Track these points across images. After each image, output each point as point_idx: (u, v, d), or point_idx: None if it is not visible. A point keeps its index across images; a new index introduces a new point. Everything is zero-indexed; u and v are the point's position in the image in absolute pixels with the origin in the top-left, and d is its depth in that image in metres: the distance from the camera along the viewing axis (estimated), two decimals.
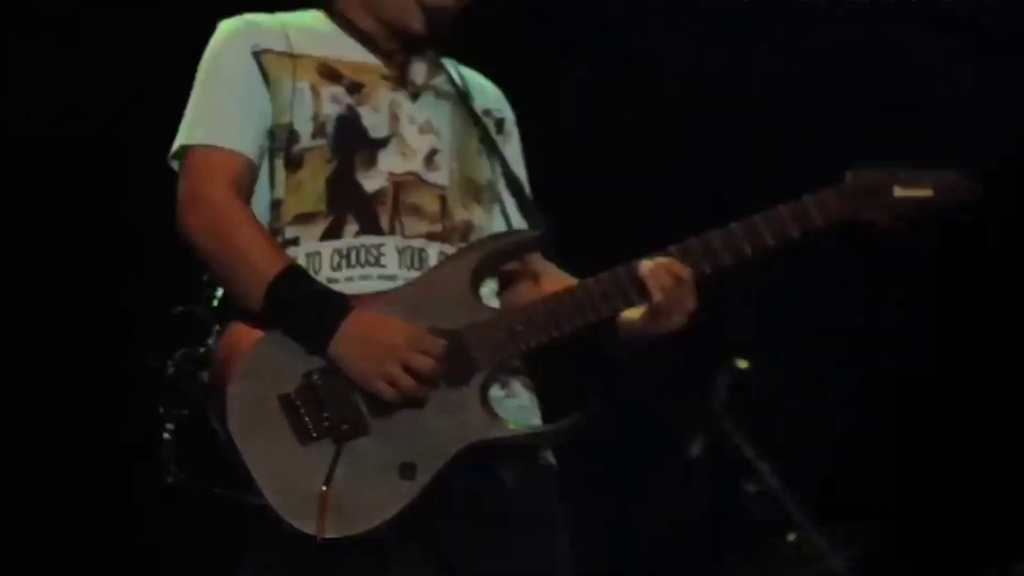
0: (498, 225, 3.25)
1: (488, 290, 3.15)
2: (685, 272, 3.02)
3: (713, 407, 4.45)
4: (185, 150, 3.09)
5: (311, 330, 2.94)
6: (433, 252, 3.08)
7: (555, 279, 3.21)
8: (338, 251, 3.06)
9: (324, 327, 2.93)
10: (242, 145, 3.07)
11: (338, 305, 2.95)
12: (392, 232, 3.07)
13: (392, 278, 3.05)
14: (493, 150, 3.26)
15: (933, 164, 3.14)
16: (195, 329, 3.21)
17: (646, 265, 3.03)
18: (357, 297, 2.99)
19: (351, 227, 3.07)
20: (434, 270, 3.06)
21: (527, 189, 3.30)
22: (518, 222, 3.24)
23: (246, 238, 2.99)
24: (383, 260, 3.06)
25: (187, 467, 3.09)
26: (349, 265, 3.05)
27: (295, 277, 2.98)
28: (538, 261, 3.25)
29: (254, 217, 3.05)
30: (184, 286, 3.28)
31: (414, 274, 3.05)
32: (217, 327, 3.09)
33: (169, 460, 3.10)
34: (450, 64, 3.31)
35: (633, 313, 3.07)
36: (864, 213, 3.11)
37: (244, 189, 3.07)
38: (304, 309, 2.95)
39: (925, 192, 3.11)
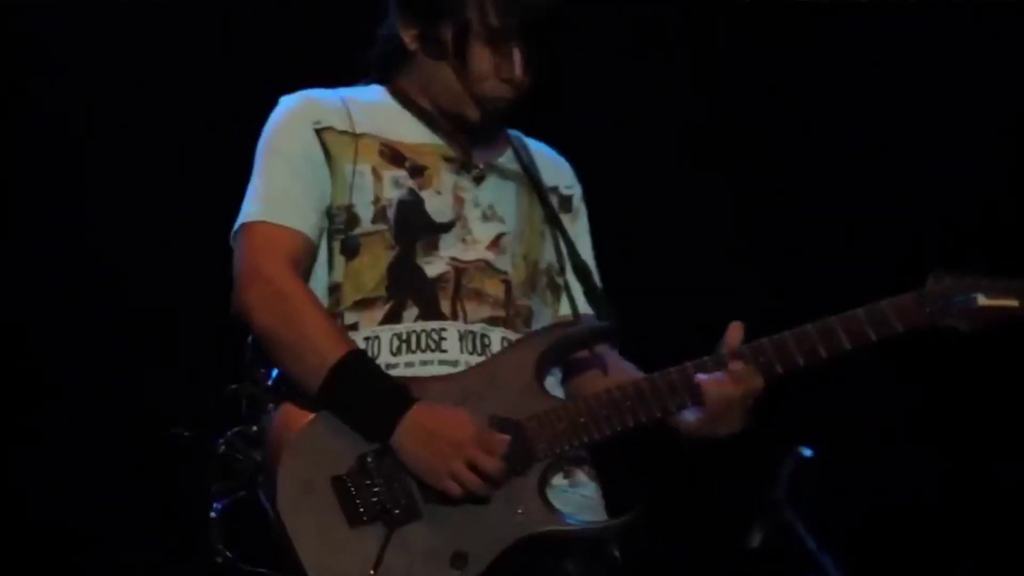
0: (563, 310, 3.20)
1: (553, 379, 3.10)
2: (751, 383, 2.98)
3: (775, 496, 4.39)
4: (244, 228, 3.05)
5: (373, 421, 2.89)
6: (496, 337, 3.04)
7: (620, 370, 3.15)
8: (398, 335, 3.02)
9: (387, 420, 2.87)
10: (302, 224, 3.03)
11: (402, 397, 2.89)
12: (454, 317, 3.03)
13: (454, 363, 3.00)
14: (558, 231, 3.22)
15: (1017, 274, 3.10)
16: (248, 407, 3.18)
17: (707, 374, 2.98)
18: (419, 379, 2.95)
19: (411, 312, 3.03)
20: (498, 356, 3.02)
21: (594, 270, 3.25)
22: (583, 307, 3.19)
23: (308, 319, 2.95)
24: (444, 344, 3.01)
25: (236, 548, 3.07)
26: (410, 350, 3.01)
27: (357, 364, 2.92)
28: (604, 350, 3.19)
29: (315, 297, 3.01)
30: (237, 366, 3.24)
31: (476, 359, 3.01)
32: (272, 406, 3.05)
33: (218, 540, 3.07)
34: (516, 138, 3.26)
35: (691, 413, 3.02)
36: (945, 321, 3.06)
37: (303, 267, 3.04)
38: (366, 399, 2.90)
39: (1011, 303, 3.07)
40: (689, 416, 3.01)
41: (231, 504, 3.04)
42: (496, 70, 3.04)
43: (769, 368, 2.99)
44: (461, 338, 3.02)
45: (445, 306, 3.04)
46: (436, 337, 3.02)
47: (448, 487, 2.85)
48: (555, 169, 3.29)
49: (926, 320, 3.04)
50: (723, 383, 2.97)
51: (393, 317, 3.03)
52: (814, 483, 4.39)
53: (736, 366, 2.97)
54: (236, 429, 3.12)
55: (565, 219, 3.24)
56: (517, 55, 3.03)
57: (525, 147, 3.26)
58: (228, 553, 3.07)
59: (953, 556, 5.15)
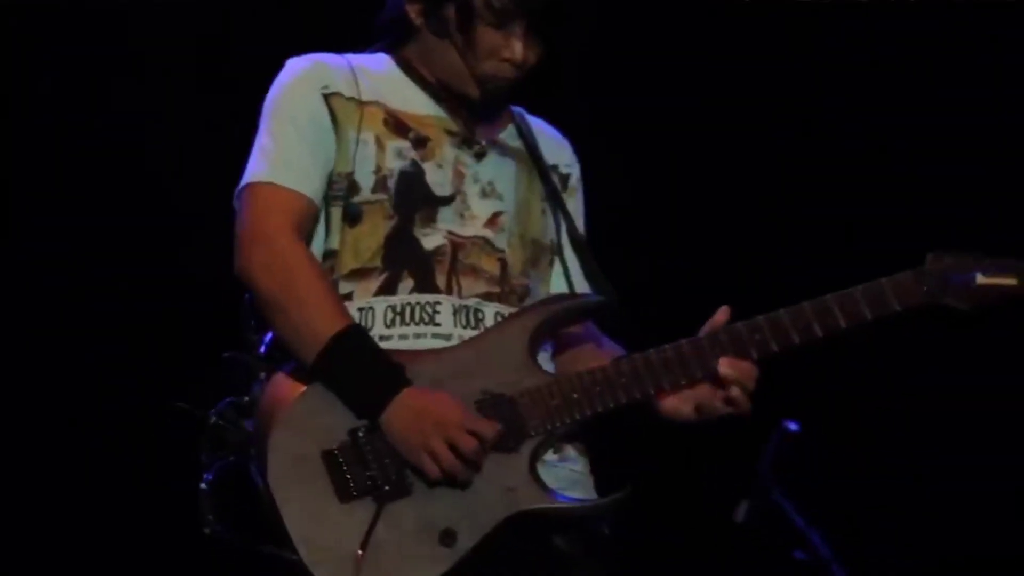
0: (558, 286, 3.21)
1: (544, 354, 3.10)
2: (754, 373, 3.01)
3: (762, 471, 4.40)
4: (249, 187, 3.04)
5: (365, 398, 2.89)
6: (490, 313, 3.05)
7: (610, 349, 3.16)
8: (392, 307, 3.02)
9: (379, 399, 2.88)
10: (308, 187, 3.02)
11: (395, 377, 2.90)
12: (449, 291, 3.04)
13: (447, 337, 3.01)
14: (558, 208, 3.22)
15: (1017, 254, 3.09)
16: (240, 377, 3.18)
17: (724, 362, 2.99)
18: (413, 354, 2.96)
19: (406, 284, 3.03)
20: (492, 331, 3.02)
21: (589, 250, 3.25)
22: (580, 284, 3.20)
23: (309, 287, 2.94)
24: (438, 318, 3.02)
25: (225, 519, 3.08)
26: (403, 322, 3.01)
27: (355, 339, 2.92)
28: (595, 328, 3.20)
29: (318, 264, 3.00)
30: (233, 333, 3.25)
31: (470, 333, 3.01)
32: (263, 375, 3.05)
33: (207, 511, 3.08)
34: (518, 114, 3.26)
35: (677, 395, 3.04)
36: (944, 299, 3.05)
37: (305, 231, 3.03)
38: (360, 376, 2.90)
39: (1009, 281, 3.06)
40: (672, 399, 3.03)
41: (220, 474, 3.05)
42: (498, 50, 3.04)
43: (764, 346, 3.00)
44: (455, 312, 3.02)
45: (440, 280, 3.04)
46: (430, 310, 3.02)
47: (424, 463, 2.85)
48: (556, 147, 3.29)
49: (924, 299, 3.03)
50: (750, 371, 3.00)
51: (388, 289, 3.03)
52: (801, 457, 4.42)
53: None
54: (228, 400, 3.12)
55: (563, 197, 3.25)
56: (519, 36, 3.03)
57: (527, 124, 3.26)
58: (217, 525, 3.08)
59: (938, 530, 5.15)
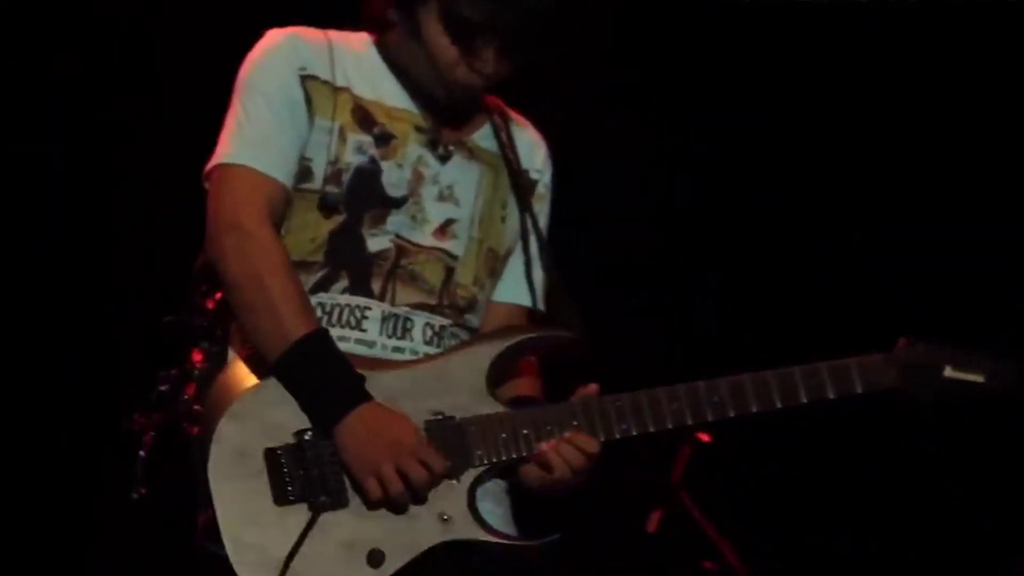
0: (515, 297, 3.17)
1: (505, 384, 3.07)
2: (592, 447, 2.95)
3: (673, 481, 4.52)
4: (223, 169, 3.00)
5: (323, 407, 2.87)
6: (419, 323, 3.03)
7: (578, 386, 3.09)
8: (322, 305, 3.00)
9: (336, 410, 2.85)
10: (282, 172, 2.99)
11: (355, 390, 2.87)
12: (382, 298, 3.02)
13: (371, 344, 3.00)
14: (526, 215, 3.17)
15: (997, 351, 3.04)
16: (181, 343, 3.16)
17: (549, 443, 2.92)
18: (373, 364, 2.93)
19: (341, 283, 3.01)
20: (454, 352, 3.00)
21: (548, 260, 3.18)
22: (541, 295, 3.16)
23: (280, 284, 2.91)
24: (364, 324, 3.00)
25: (156, 487, 3.06)
26: (330, 323, 2.99)
27: (318, 345, 2.89)
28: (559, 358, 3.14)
29: (289, 261, 2.96)
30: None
31: (394, 343, 3.00)
32: (219, 332, 3.02)
33: (139, 477, 3.06)
34: (498, 112, 3.20)
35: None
36: (907, 387, 3.02)
37: (278, 217, 2.99)
38: (320, 384, 2.88)
39: (976, 378, 3.00)
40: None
41: (156, 440, 3.01)
42: (467, 59, 2.98)
43: (721, 410, 2.97)
44: (384, 320, 3.01)
45: (376, 284, 3.02)
46: (358, 314, 3.00)
47: (369, 484, 2.84)
48: (529, 151, 3.23)
49: (888, 384, 3.00)
50: (576, 444, 2.93)
51: (323, 286, 3.01)
52: (712, 468, 4.54)
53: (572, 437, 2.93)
54: (173, 370, 3.09)
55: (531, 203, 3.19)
56: (490, 48, 2.97)
57: (507, 123, 3.21)
58: (147, 492, 3.06)
59: (848, 539, 5.21)
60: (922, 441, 4.97)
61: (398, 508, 2.85)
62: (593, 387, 2.98)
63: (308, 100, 3.02)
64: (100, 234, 4.74)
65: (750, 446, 4.95)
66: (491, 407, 2.96)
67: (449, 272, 3.07)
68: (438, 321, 3.04)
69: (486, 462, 2.93)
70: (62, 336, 4.71)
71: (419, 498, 2.86)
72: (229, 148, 3.00)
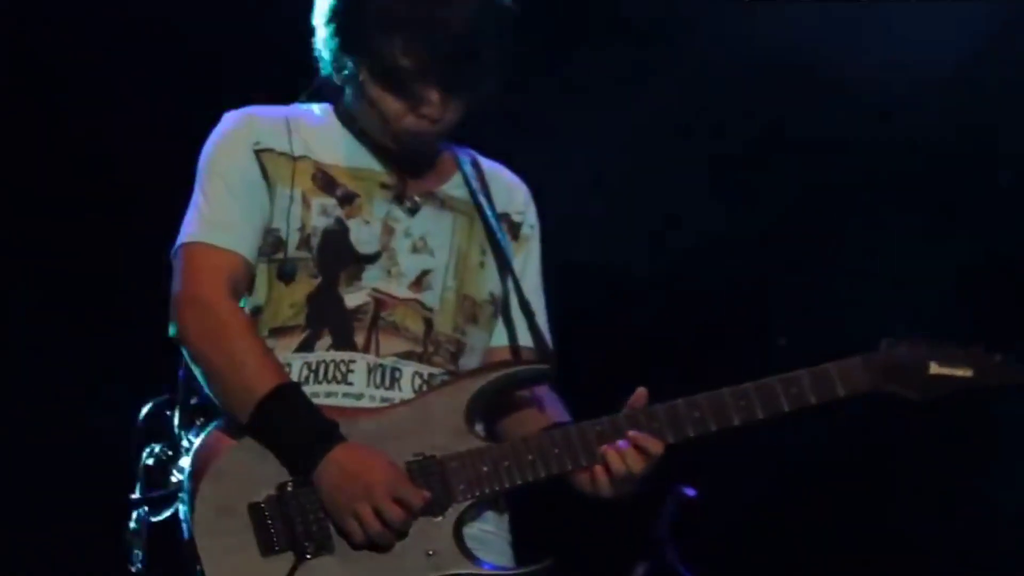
0: (501, 341, 3.21)
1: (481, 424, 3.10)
2: (655, 448, 2.98)
3: (658, 534, 4.55)
4: (183, 248, 3.08)
5: (298, 456, 2.92)
6: (408, 372, 3.07)
7: (552, 411, 3.15)
8: (308, 364, 3.06)
9: (311, 457, 2.91)
10: (240, 245, 3.06)
11: (328, 435, 2.92)
12: (366, 350, 3.06)
13: (358, 396, 3.05)
14: (502, 262, 3.21)
15: (975, 343, 3.04)
16: (164, 425, 3.18)
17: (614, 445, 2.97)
18: (349, 411, 3.00)
19: (324, 341, 3.06)
20: (432, 393, 3.05)
21: (540, 299, 3.25)
22: (524, 339, 3.19)
23: (240, 347, 2.97)
24: (351, 377, 3.05)
25: (154, 559, 3.09)
26: (316, 380, 3.04)
27: (286, 398, 2.95)
28: (541, 389, 3.18)
29: (251, 324, 3.04)
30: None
31: (383, 393, 3.05)
32: (200, 420, 3.08)
33: (138, 549, 3.09)
34: (469, 160, 3.25)
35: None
36: (893, 387, 3.02)
37: (240, 290, 3.07)
38: (292, 435, 2.93)
39: (964, 372, 3.00)
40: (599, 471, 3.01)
41: (153, 514, 3.05)
42: (413, 108, 3.03)
43: (702, 425, 2.99)
44: (370, 371, 3.05)
45: (359, 338, 3.06)
46: (344, 368, 3.05)
47: (349, 526, 2.89)
48: (507, 194, 3.28)
49: (870, 385, 3.01)
50: (638, 443, 2.97)
51: (306, 346, 3.06)
52: (696, 521, 4.57)
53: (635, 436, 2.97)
54: (163, 445, 3.14)
55: (512, 247, 3.24)
56: (433, 92, 3.01)
57: (478, 170, 3.25)
58: (146, 564, 3.10)
59: None
60: (912, 494, 5.08)
61: (382, 548, 2.90)
62: (641, 391, 3.02)
63: (264, 174, 3.09)
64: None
65: (736, 500, 5.01)
66: (471, 443, 3.00)
67: (428, 322, 3.12)
68: (427, 369, 3.09)
69: (469, 497, 2.97)
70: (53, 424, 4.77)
71: (401, 535, 2.90)
72: (191, 228, 3.09)
